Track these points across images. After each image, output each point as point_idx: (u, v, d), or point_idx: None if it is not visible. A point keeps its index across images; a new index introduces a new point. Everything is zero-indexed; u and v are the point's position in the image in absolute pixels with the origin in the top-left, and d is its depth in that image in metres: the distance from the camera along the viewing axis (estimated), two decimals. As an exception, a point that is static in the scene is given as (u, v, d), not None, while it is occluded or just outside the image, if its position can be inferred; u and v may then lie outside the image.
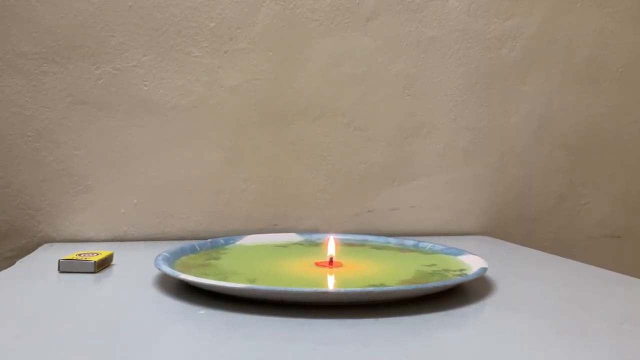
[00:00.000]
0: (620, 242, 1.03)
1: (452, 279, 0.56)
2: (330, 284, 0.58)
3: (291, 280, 0.58)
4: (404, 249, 0.73)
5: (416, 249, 0.72)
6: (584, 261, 0.75)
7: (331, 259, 0.63)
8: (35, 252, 0.76)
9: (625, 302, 0.57)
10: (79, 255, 0.65)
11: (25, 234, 0.83)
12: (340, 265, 0.62)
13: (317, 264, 0.62)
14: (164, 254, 0.62)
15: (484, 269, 0.58)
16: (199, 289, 0.55)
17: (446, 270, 0.61)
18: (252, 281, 0.55)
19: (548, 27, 0.97)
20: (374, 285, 0.54)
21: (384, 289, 0.51)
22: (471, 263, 0.62)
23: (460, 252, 0.67)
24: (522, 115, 0.97)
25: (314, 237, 0.78)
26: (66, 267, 0.63)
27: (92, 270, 0.63)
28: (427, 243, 0.73)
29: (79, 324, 0.47)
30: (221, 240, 0.73)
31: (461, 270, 0.61)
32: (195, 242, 0.69)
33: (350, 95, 0.91)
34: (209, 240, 0.72)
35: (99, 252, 0.67)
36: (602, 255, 1.01)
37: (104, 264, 0.65)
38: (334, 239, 0.67)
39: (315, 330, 0.45)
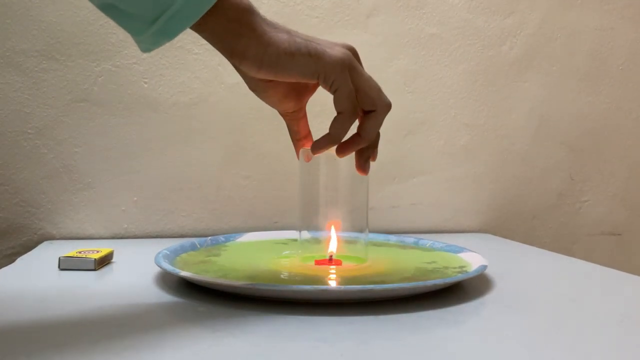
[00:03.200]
0: (620, 240, 1.03)
1: (452, 277, 0.56)
2: (331, 281, 0.58)
3: (291, 278, 0.58)
4: (404, 246, 0.73)
5: (416, 246, 0.72)
6: (584, 258, 0.75)
7: (331, 256, 0.63)
8: (35, 249, 0.76)
9: (625, 299, 0.57)
10: (79, 252, 0.65)
11: (26, 231, 0.83)
12: (340, 262, 0.62)
13: (317, 262, 0.62)
14: (164, 251, 0.62)
15: (484, 267, 0.58)
16: (199, 286, 0.55)
17: (446, 267, 0.61)
18: (252, 278, 0.55)
19: (548, 24, 0.97)
20: (374, 283, 0.54)
21: (384, 286, 0.51)
22: (471, 260, 0.62)
23: (460, 249, 0.67)
24: (522, 112, 0.97)
25: (314, 234, 0.78)
26: (66, 265, 0.63)
27: (93, 268, 0.63)
28: (427, 240, 0.73)
29: (79, 321, 0.47)
30: (221, 238, 0.73)
31: (461, 267, 0.61)
32: (195, 240, 0.69)
33: (351, 92, 0.91)
34: (209, 237, 0.72)
35: (99, 249, 0.67)
36: (602, 252, 1.02)
37: (104, 261, 0.65)
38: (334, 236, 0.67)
39: (315, 327, 0.45)
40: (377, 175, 0.92)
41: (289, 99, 0.54)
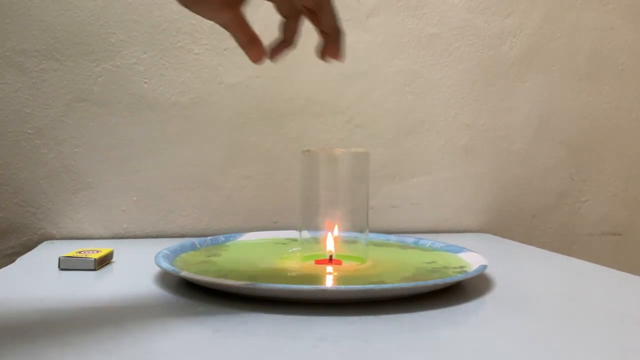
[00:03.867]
0: (620, 240, 1.03)
1: (452, 277, 0.56)
2: (330, 281, 0.58)
3: (291, 278, 0.58)
4: (404, 246, 0.73)
5: (416, 246, 0.72)
6: (584, 258, 0.75)
7: (331, 256, 0.63)
8: (35, 249, 0.76)
9: (625, 299, 0.57)
10: (79, 252, 0.65)
11: (26, 231, 0.83)
12: (339, 262, 0.62)
13: (317, 262, 0.62)
14: (164, 251, 0.62)
15: (484, 267, 0.58)
16: (199, 286, 0.55)
17: (446, 267, 0.61)
18: (252, 278, 0.55)
19: (548, 24, 0.97)
20: (374, 283, 0.54)
21: (384, 286, 0.51)
22: (471, 260, 0.62)
23: (460, 249, 0.67)
24: (522, 112, 0.97)
25: (314, 234, 0.78)
26: (66, 265, 0.63)
27: (93, 268, 0.63)
28: (427, 240, 0.73)
29: (79, 321, 0.47)
30: (221, 238, 0.73)
31: (461, 267, 0.61)
32: (195, 239, 0.69)
33: (351, 92, 0.91)
34: (209, 237, 0.72)
35: (99, 249, 0.67)
36: (602, 252, 1.02)
37: (104, 261, 0.65)
38: (334, 236, 0.67)
39: (315, 327, 0.45)
40: (377, 175, 0.92)
41: (223, 8, 0.53)
